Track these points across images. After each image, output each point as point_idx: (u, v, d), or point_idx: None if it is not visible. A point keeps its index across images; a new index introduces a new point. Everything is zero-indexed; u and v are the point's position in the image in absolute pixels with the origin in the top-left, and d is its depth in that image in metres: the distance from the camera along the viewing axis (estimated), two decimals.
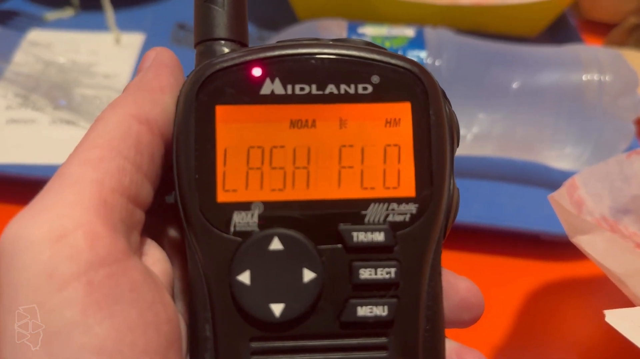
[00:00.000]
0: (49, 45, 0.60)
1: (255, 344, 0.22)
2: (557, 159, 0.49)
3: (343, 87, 0.23)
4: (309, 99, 0.23)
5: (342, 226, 0.23)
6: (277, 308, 0.22)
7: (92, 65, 0.57)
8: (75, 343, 0.19)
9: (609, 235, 0.32)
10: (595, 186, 0.36)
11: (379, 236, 0.23)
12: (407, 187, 0.23)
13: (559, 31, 0.65)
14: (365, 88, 0.23)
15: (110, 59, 0.59)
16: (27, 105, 0.52)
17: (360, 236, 0.23)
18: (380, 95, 0.23)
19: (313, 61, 0.23)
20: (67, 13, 0.65)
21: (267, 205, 0.23)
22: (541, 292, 0.42)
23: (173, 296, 0.24)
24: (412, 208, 0.23)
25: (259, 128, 0.23)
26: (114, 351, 0.19)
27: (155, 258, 0.23)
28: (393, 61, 0.23)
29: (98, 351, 0.19)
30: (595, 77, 0.46)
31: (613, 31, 0.65)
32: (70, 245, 0.19)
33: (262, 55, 0.23)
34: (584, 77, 0.46)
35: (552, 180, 0.49)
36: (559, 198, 0.33)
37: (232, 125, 0.23)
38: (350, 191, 0.23)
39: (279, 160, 0.23)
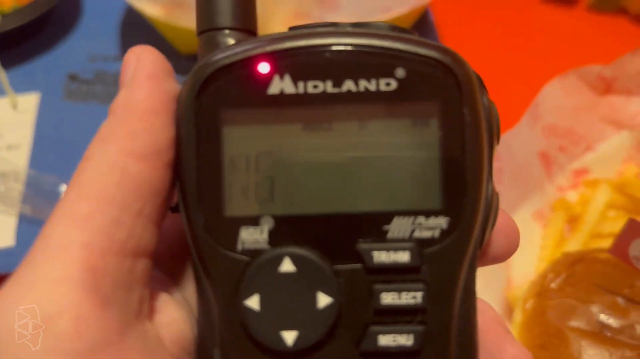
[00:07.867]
0: None
1: None
2: None
3: (363, 83, 0.20)
4: (323, 98, 0.20)
5: (362, 244, 0.21)
6: (289, 336, 0.20)
7: None
8: None
9: None
10: None
11: (403, 256, 0.20)
12: (436, 198, 0.21)
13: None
14: (388, 84, 0.20)
15: (10, 127, 0.63)
16: None
17: (382, 256, 0.20)
18: (405, 92, 0.20)
19: (327, 54, 0.20)
20: None
21: (278, 219, 0.21)
22: None
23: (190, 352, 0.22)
24: (442, 222, 0.21)
25: (268, 134, 0.21)
26: None
27: (170, 317, 0.21)
28: (421, 51, 0.20)
29: None
30: None
31: None
32: (54, 335, 0.18)
33: (268, 48, 0.20)
34: None
35: None
36: None
37: (237, 131, 0.21)
38: (370, 203, 0.21)
39: (291, 169, 0.21)
